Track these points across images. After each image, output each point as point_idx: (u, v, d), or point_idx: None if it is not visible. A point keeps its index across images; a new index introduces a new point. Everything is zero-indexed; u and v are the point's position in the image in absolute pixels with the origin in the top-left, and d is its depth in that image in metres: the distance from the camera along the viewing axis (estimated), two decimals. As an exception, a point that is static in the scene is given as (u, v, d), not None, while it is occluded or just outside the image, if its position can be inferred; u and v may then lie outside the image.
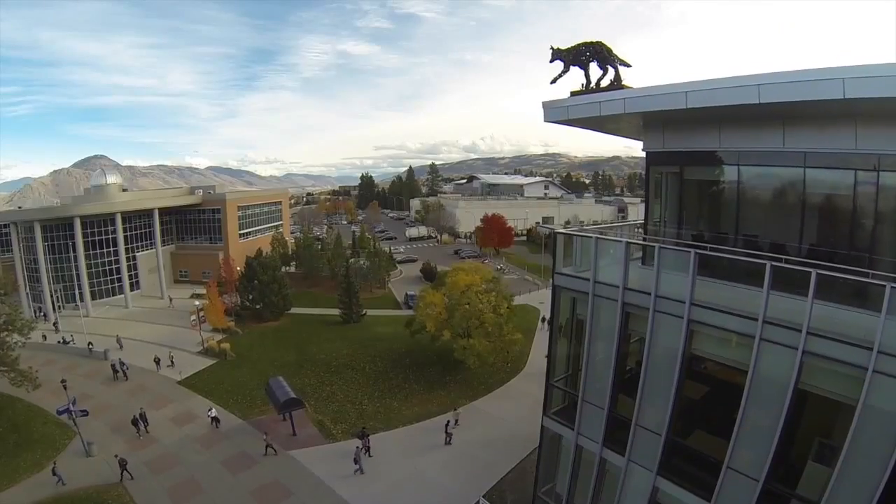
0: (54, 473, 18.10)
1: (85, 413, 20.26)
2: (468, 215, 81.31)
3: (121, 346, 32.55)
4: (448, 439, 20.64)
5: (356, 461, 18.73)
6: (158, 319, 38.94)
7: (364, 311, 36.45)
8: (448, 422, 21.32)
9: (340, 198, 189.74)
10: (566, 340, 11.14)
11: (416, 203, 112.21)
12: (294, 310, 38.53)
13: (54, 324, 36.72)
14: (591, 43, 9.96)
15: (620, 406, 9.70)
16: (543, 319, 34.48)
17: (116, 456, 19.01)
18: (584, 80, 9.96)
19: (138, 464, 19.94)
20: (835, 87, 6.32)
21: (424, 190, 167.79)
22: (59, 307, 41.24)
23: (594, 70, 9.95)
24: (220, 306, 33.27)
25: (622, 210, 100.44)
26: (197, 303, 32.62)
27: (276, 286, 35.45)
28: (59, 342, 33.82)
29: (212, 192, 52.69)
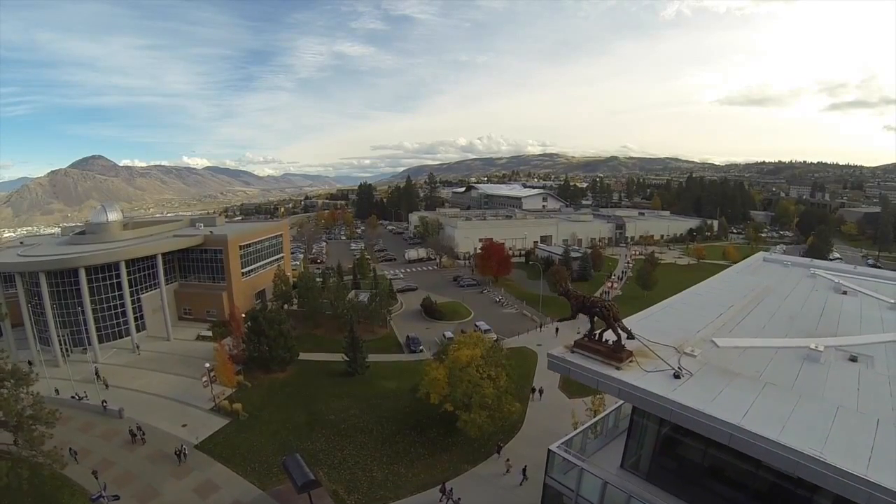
0: None
1: (116, 498, 21.39)
2: (467, 238, 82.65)
3: (106, 387, 35.26)
4: (522, 481, 24.22)
5: None
6: (167, 367, 39.88)
7: (368, 364, 37.78)
8: (523, 470, 24.44)
9: (339, 204, 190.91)
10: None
11: (414, 218, 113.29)
12: (300, 356, 39.67)
13: (96, 373, 36.86)
14: (601, 301, 11.20)
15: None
16: (534, 390, 33.20)
17: None
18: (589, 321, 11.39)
19: (164, 542, 21.30)
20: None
21: (422, 194, 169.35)
22: (68, 351, 42.19)
23: (599, 322, 11.17)
24: (231, 368, 34.43)
25: (620, 227, 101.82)
26: (207, 364, 33.75)
27: (283, 339, 36.69)
28: (72, 397, 34.71)
29: (212, 231, 53.30)
